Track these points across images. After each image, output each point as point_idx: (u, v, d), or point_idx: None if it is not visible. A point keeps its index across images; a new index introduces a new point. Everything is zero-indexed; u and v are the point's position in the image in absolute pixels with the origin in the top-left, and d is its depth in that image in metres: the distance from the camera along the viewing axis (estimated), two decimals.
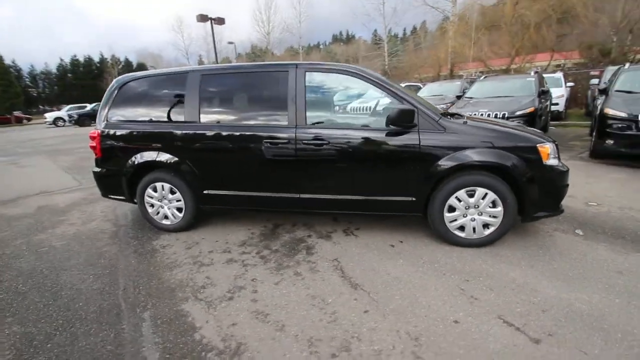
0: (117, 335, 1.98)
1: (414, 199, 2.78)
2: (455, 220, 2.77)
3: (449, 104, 8.24)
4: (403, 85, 7.24)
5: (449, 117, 2.85)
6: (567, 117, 10.90)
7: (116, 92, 3.33)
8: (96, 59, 52.10)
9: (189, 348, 1.84)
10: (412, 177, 2.73)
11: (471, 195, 2.69)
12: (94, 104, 24.16)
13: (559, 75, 10.98)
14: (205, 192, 3.17)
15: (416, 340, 1.83)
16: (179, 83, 3.13)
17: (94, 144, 3.38)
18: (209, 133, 3.02)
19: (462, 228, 2.78)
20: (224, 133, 3.00)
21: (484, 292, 2.22)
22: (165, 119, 3.20)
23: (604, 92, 5.80)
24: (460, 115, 3.10)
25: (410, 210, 2.86)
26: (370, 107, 4.17)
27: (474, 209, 2.72)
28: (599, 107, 5.56)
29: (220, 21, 21.08)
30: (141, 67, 54.13)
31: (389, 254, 2.80)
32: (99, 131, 3.34)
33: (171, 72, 3.29)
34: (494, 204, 2.68)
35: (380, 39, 33.75)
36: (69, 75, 50.90)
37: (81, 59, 51.51)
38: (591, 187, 4.24)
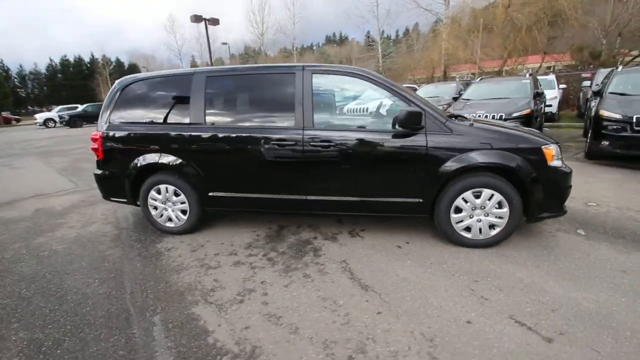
0: (129, 340, 1.95)
1: (420, 200, 2.80)
2: (462, 221, 2.79)
3: (445, 106, 8.32)
4: None
5: (454, 119, 2.88)
6: (559, 119, 11.10)
7: (119, 93, 3.29)
8: (86, 59, 51.57)
9: (203, 352, 1.82)
10: (419, 178, 2.75)
11: (477, 197, 2.72)
12: (85, 105, 23.84)
13: (552, 77, 11.18)
14: (210, 194, 3.15)
15: (431, 341, 1.84)
16: (184, 85, 3.11)
17: (96, 146, 3.33)
18: (215, 135, 3.00)
19: (468, 229, 2.81)
20: (230, 135, 2.98)
21: (493, 293, 2.24)
22: (170, 121, 3.17)
23: (598, 94, 5.92)
24: (465, 117, 3.14)
25: (417, 212, 2.88)
26: (366, 109, 4.19)
27: (480, 210, 2.75)
28: (593, 109, 5.68)
29: (215, 22, 20.96)
30: (133, 67, 53.60)
31: (396, 255, 2.81)
32: (101, 133, 3.30)
33: (175, 74, 3.27)
34: (499, 205, 2.71)
35: (374, 41, 33.97)
36: (59, 75, 50.19)
37: (71, 59, 50.83)
38: (589, 187, 4.32)
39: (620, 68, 6.19)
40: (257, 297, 2.31)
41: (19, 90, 49.54)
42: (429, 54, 25.95)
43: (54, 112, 24.60)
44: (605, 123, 5.09)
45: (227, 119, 3.07)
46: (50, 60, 50.78)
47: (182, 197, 3.23)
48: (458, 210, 2.78)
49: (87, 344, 1.93)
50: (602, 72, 9.22)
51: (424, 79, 24.87)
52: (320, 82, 2.89)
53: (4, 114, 33.65)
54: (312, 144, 2.80)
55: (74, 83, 47.38)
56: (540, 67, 20.02)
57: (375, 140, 2.76)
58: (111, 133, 3.27)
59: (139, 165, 3.20)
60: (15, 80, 49.81)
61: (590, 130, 5.61)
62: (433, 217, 2.88)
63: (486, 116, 6.25)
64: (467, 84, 11.27)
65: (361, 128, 3.01)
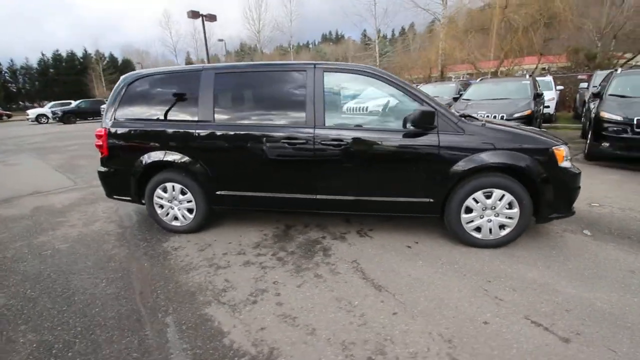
0: (142, 341, 1.91)
1: (431, 200, 2.79)
2: (472, 221, 2.80)
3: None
4: None
5: (465, 119, 2.88)
6: (556, 120, 11.21)
7: (124, 89, 3.22)
8: (79, 54, 50.69)
9: (220, 354, 1.79)
10: (430, 178, 2.74)
11: (488, 197, 2.72)
12: (79, 101, 23.47)
13: (549, 78, 11.28)
14: (218, 192, 3.11)
15: (449, 342, 1.83)
16: (192, 81, 3.06)
17: (100, 143, 3.27)
18: (224, 133, 2.96)
19: (478, 229, 2.81)
20: (240, 133, 2.94)
21: (507, 293, 2.25)
22: (177, 118, 3.13)
23: (598, 95, 5.98)
24: (475, 118, 3.14)
25: (427, 212, 2.88)
26: (365, 108, 4.18)
27: (491, 210, 2.75)
28: (594, 111, 5.74)
29: (212, 18, 20.76)
30: (127, 63, 52.95)
31: (407, 255, 2.80)
32: (106, 129, 3.23)
33: (183, 70, 3.22)
34: (510, 206, 2.72)
35: (370, 40, 33.93)
36: (51, 70, 49.33)
37: (64, 54, 49.99)
38: (591, 188, 4.35)
39: (619, 70, 6.26)
40: (270, 297, 2.28)
41: (9, 85, 48.58)
42: (426, 54, 26.00)
43: (47, 108, 24.20)
44: (605, 125, 5.14)
45: (236, 117, 3.03)
46: (42, 54, 49.92)
47: (189, 195, 3.19)
48: (468, 210, 2.78)
49: (99, 346, 1.89)
50: (600, 74, 9.33)
51: (421, 79, 24.92)
52: (332, 80, 2.87)
53: None
54: (323, 142, 2.78)
55: (66, 78, 46.59)
56: (536, 68, 20.18)
57: (387, 140, 2.75)
58: (116, 130, 3.21)
59: (145, 162, 3.15)
60: (6, 74, 48.85)
61: (590, 132, 5.67)
62: (443, 217, 2.88)
63: (487, 116, 6.28)
64: (465, 84, 11.34)
65: (373, 127, 2.98)
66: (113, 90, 3.30)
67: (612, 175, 4.94)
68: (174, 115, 3.17)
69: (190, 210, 3.26)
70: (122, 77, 3.34)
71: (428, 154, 2.69)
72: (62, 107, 22.53)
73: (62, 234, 3.47)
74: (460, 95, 8.57)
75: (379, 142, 2.76)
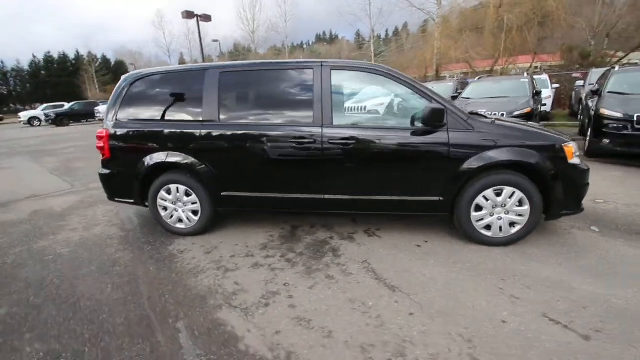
0: (154, 348, 1.85)
1: (441, 198, 2.77)
2: (482, 219, 2.77)
3: None
4: None
5: (474, 116, 2.85)
6: (552, 118, 11.30)
7: (126, 89, 3.15)
8: (71, 55, 50.09)
9: None
10: (441, 176, 2.72)
11: (498, 194, 2.70)
12: (72, 103, 23.16)
13: (545, 77, 11.36)
14: (223, 194, 3.06)
15: (470, 342, 1.80)
16: (196, 80, 3.00)
17: (102, 144, 3.19)
18: (230, 132, 2.91)
19: (488, 227, 2.79)
20: (245, 132, 2.89)
21: (523, 291, 2.23)
22: (181, 118, 3.07)
23: (597, 93, 6.01)
24: (484, 115, 3.12)
25: (437, 210, 2.85)
26: (364, 107, 4.14)
27: (501, 208, 2.73)
28: (593, 108, 5.77)
29: (207, 18, 20.61)
30: (119, 64, 52.49)
31: (417, 254, 2.77)
32: (108, 131, 3.16)
33: (187, 69, 3.16)
34: (520, 203, 2.70)
35: (364, 40, 33.95)
36: (43, 72, 48.68)
37: (55, 56, 49.36)
38: (593, 185, 4.34)
39: (617, 68, 6.30)
40: (282, 300, 2.23)
41: (0, 87, 47.86)
42: (422, 53, 26.09)
43: (39, 110, 23.85)
44: (606, 122, 5.17)
45: (242, 116, 2.97)
46: (34, 56, 49.25)
47: (194, 197, 3.13)
48: (478, 208, 2.76)
49: (109, 354, 1.83)
50: (595, 72, 9.41)
51: (417, 78, 24.99)
52: (339, 78, 2.83)
53: None
54: (331, 141, 2.74)
55: (58, 80, 46.03)
56: (530, 66, 20.36)
57: (398, 138, 2.72)
58: (118, 131, 3.14)
59: (148, 164, 3.08)
60: None
61: (590, 129, 5.70)
62: (452, 215, 2.85)
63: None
64: (463, 83, 11.38)
65: (382, 125, 2.94)
66: (114, 91, 3.23)
67: (613, 172, 4.96)
68: (177, 115, 3.11)
69: (195, 212, 3.20)
70: (123, 77, 3.27)
71: (438, 152, 2.67)
72: (55, 110, 22.22)
73: (63, 239, 3.39)
74: (459, 94, 8.58)
75: (388, 141, 2.73)
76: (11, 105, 46.63)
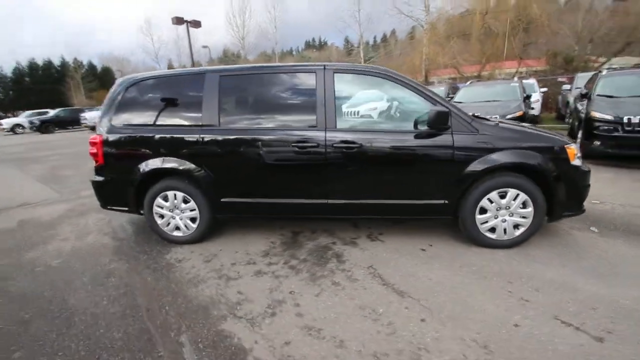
0: None
1: (446, 201, 2.75)
2: (487, 222, 2.76)
3: None
4: None
5: (477, 119, 2.86)
6: (541, 121, 11.54)
7: (121, 94, 3.05)
8: (56, 62, 49.05)
9: None
10: (445, 179, 2.70)
11: (502, 197, 2.70)
12: (57, 110, 22.62)
13: (533, 81, 11.61)
14: (223, 200, 2.98)
15: (485, 347, 1.77)
16: (195, 85, 2.93)
17: (95, 151, 3.08)
18: (230, 137, 2.84)
19: (492, 229, 2.78)
20: (246, 137, 2.83)
21: (531, 294, 2.21)
22: (179, 123, 2.99)
23: (586, 96, 6.15)
24: (485, 118, 3.13)
25: (442, 214, 2.83)
26: (357, 112, 4.13)
27: (505, 210, 2.73)
28: (583, 111, 5.89)
29: (197, 24, 20.53)
30: (106, 71, 51.60)
31: (422, 258, 2.74)
32: (101, 136, 3.05)
33: (184, 73, 3.08)
34: (524, 205, 2.70)
35: (353, 46, 34.25)
36: (26, 79, 47.47)
37: (40, 62, 48.28)
38: None
39: (604, 72, 6.47)
40: (289, 308, 2.16)
41: None
42: (411, 59, 26.47)
43: (23, 117, 23.18)
44: (597, 124, 5.28)
45: (243, 121, 2.91)
46: (17, 63, 48.02)
47: (192, 203, 3.04)
48: (483, 211, 2.75)
49: None
50: (581, 76, 9.67)
51: None
52: (342, 81, 2.80)
53: None
54: (334, 145, 2.70)
55: (42, 87, 44.84)
56: (516, 72, 20.83)
57: (402, 141, 2.70)
58: (113, 137, 3.03)
59: (144, 170, 2.98)
60: None
61: (580, 131, 5.82)
62: (456, 218, 2.84)
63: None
64: (454, 88, 11.56)
65: (387, 129, 2.92)
66: (108, 96, 3.12)
67: (604, 173, 5.05)
68: (175, 120, 3.03)
69: (193, 220, 3.11)
70: (118, 81, 3.17)
71: (443, 155, 2.65)
72: (40, 117, 21.64)
73: (53, 249, 3.25)
74: (450, 98, 8.69)
75: (394, 144, 2.71)
76: None
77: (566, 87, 10.45)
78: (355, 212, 2.90)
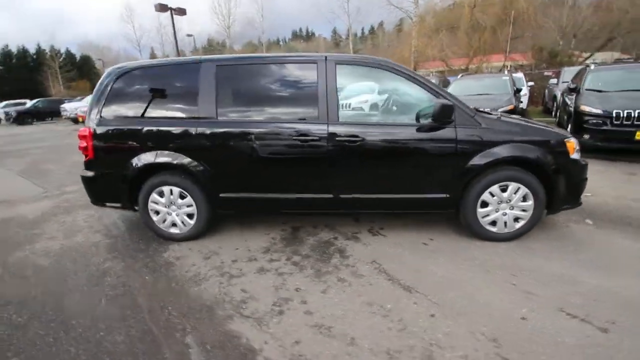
0: None
1: (448, 195, 2.75)
2: (488, 215, 2.78)
3: None
4: None
5: (480, 112, 2.85)
6: (528, 115, 11.76)
7: (111, 84, 2.90)
8: (32, 50, 46.78)
9: None
10: (448, 173, 2.70)
11: (504, 190, 2.71)
12: (35, 100, 21.66)
13: (520, 75, 11.79)
14: (222, 195, 2.89)
15: (495, 341, 1.78)
16: (190, 74, 2.81)
17: (85, 144, 2.93)
18: (229, 130, 2.74)
19: (493, 223, 2.80)
20: (246, 130, 2.74)
21: (534, 286, 2.24)
22: (174, 115, 2.87)
23: (575, 90, 6.27)
24: (488, 112, 3.13)
25: (444, 207, 2.83)
26: (349, 105, 4.09)
27: (506, 204, 2.75)
28: (572, 105, 6.01)
29: (181, 12, 19.80)
30: (85, 59, 49.64)
31: (425, 252, 2.75)
32: (91, 129, 2.90)
33: (179, 62, 2.96)
34: (524, 198, 2.73)
35: (341, 37, 33.99)
36: (0, 67, 45.13)
37: (14, 50, 45.94)
38: None
39: (592, 66, 6.60)
40: (296, 306, 2.12)
41: None
42: (400, 51, 26.45)
43: None
44: (586, 118, 5.39)
45: (242, 113, 2.81)
46: None
47: (189, 199, 2.94)
48: (484, 204, 2.76)
49: None
50: (568, 71, 9.86)
51: None
52: (344, 73, 2.73)
53: None
54: (337, 138, 2.65)
55: (17, 76, 42.70)
56: (503, 65, 21.14)
57: (406, 135, 2.67)
58: (103, 130, 2.89)
59: (138, 165, 2.86)
60: None
61: (570, 125, 5.94)
62: (458, 212, 2.84)
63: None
64: (444, 81, 11.62)
65: (390, 121, 2.89)
66: (97, 86, 2.97)
67: (594, 166, 5.14)
68: (169, 112, 2.91)
69: (190, 216, 3.01)
70: (107, 71, 3.01)
71: (446, 149, 2.64)
72: (17, 107, 20.69)
73: (41, 248, 3.10)
74: None
75: (397, 138, 2.68)
76: None
77: (553, 81, 10.65)
78: (358, 206, 2.87)
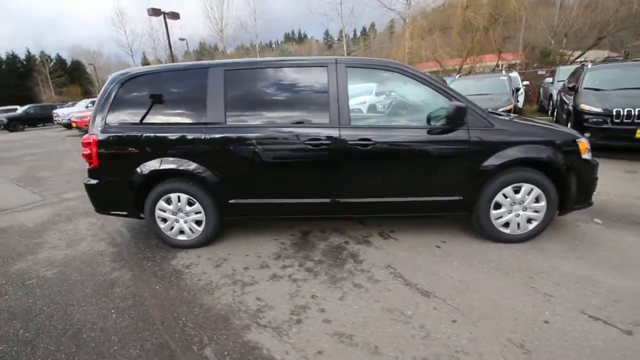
0: None
1: (461, 197, 2.72)
2: (501, 217, 2.76)
3: None
4: None
5: (492, 114, 2.83)
6: (524, 114, 11.86)
7: (115, 91, 2.83)
8: (22, 55, 46.14)
9: None
10: (461, 175, 2.67)
11: (517, 192, 2.70)
12: (26, 106, 21.31)
13: (515, 74, 11.88)
14: (231, 201, 2.83)
15: (522, 347, 1.75)
16: (197, 80, 2.75)
17: (88, 152, 2.85)
18: (238, 136, 2.69)
19: (506, 224, 2.79)
20: (255, 135, 2.69)
21: (554, 288, 2.22)
22: (181, 121, 2.81)
23: (573, 89, 6.32)
24: (498, 113, 3.11)
25: (456, 210, 2.81)
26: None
27: (519, 205, 2.73)
28: (570, 104, 6.06)
29: (174, 16, 19.67)
30: (76, 64, 49.13)
31: (439, 255, 2.71)
32: (95, 137, 2.83)
33: (185, 67, 2.89)
34: (537, 199, 2.71)
35: (333, 39, 34.04)
36: None
37: (3, 56, 45.24)
38: None
39: (589, 65, 6.66)
40: (314, 314, 2.08)
41: None
42: (394, 52, 26.55)
43: None
44: (586, 116, 5.43)
45: (251, 118, 2.75)
46: None
47: (197, 206, 2.88)
48: (497, 206, 2.75)
49: None
50: (563, 70, 9.96)
51: None
52: (354, 76, 2.70)
53: None
54: (349, 142, 2.61)
55: (7, 82, 42.05)
56: (496, 65, 21.33)
57: (418, 137, 2.64)
58: (108, 136, 2.82)
59: (144, 172, 2.79)
60: None
61: (569, 123, 5.97)
62: (470, 214, 2.82)
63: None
64: (442, 80, 11.64)
65: (403, 125, 2.85)
66: (101, 93, 2.89)
67: None
68: (176, 118, 2.84)
69: (198, 223, 2.95)
70: (111, 77, 2.94)
71: (459, 151, 2.62)
72: (7, 114, 20.30)
73: (44, 258, 3.01)
74: None
75: (409, 140, 2.65)
76: None
77: (548, 80, 10.75)
78: (371, 211, 2.84)
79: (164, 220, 2.95)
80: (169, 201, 2.89)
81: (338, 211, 2.84)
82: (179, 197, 2.86)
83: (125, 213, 3.03)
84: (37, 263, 2.94)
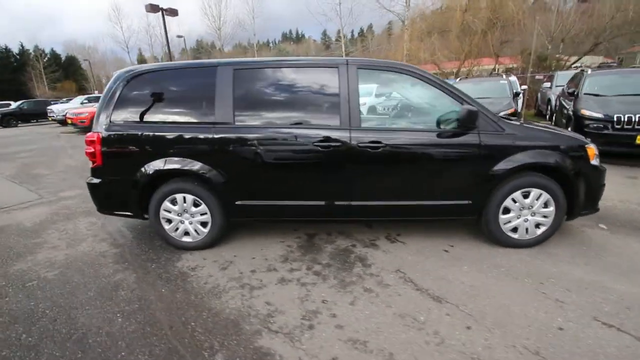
0: None
1: (470, 202, 2.71)
2: (510, 222, 2.76)
3: None
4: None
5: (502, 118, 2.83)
6: (522, 118, 11.95)
7: (120, 89, 2.77)
8: (15, 49, 45.44)
9: None
10: (470, 179, 2.66)
11: (526, 197, 2.70)
12: (20, 102, 20.96)
13: (514, 78, 11.96)
14: (238, 202, 2.79)
15: (538, 354, 1.73)
16: (205, 78, 2.71)
17: (92, 150, 2.79)
18: (246, 136, 2.65)
19: (515, 229, 2.78)
20: (264, 136, 2.65)
21: (565, 294, 2.21)
22: (188, 120, 2.76)
23: (573, 94, 6.37)
24: (507, 117, 3.11)
25: (465, 214, 2.80)
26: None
27: (527, 210, 2.73)
28: (570, 109, 6.10)
29: (173, 12, 19.55)
30: (71, 60, 48.59)
31: (448, 260, 2.70)
32: (99, 135, 2.77)
33: (192, 66, 2.85)
34: (546, 204, 2.71)
35: (330, 40, 34.07)
36: None
37: None
38: None
39: (589, 71, 6.72)
40: (326, 320, 2.04)
41: None
42: (393, 54, 26.62)
43: None
44: (587, 122, 5.47)
45: (260, 118, 2.72)
46: None
47: (203, 207, 2.83)
48: (506, 210, 2.74)
49: None
50: (561, 75, 10.06)
51: None
52: (365, 78, 2.68)
53: None
54: (360, 145, 2.59)
55: (0, 77, 41.48)
56: (494, 69, 21.50)
57: (429, 140, 2.62)
58: (113, 135, 2.76)
59: (149, 172, 2.74)
60: None
61: (570, 128, 6.01)
62: (479, 218, 2.81)
63: None
64: None
65: (413, 128, 2.84)
66: (105, 91, 2.83)
67: None
68: (183, 117, 2.80)
69: (204, 224, 2.90)
70: (116, 75, 2.88)
71: (469, 155, 2.61)
72: (1, 109, 19.95)
73: (44, 259, 2.94)
74: None
75: (419, 144, 2.63)
76: None
77: (546, 84, 10.84)
78: (380, 214, 2.82)
79: (169, 221, 2.90)
80: (174, 202, 2.84)
81: (348, 214, 2.82)
82: (184, 197, 2.81)
83: (129, 213, 2.97)
84: (37, 264, 2.87)
